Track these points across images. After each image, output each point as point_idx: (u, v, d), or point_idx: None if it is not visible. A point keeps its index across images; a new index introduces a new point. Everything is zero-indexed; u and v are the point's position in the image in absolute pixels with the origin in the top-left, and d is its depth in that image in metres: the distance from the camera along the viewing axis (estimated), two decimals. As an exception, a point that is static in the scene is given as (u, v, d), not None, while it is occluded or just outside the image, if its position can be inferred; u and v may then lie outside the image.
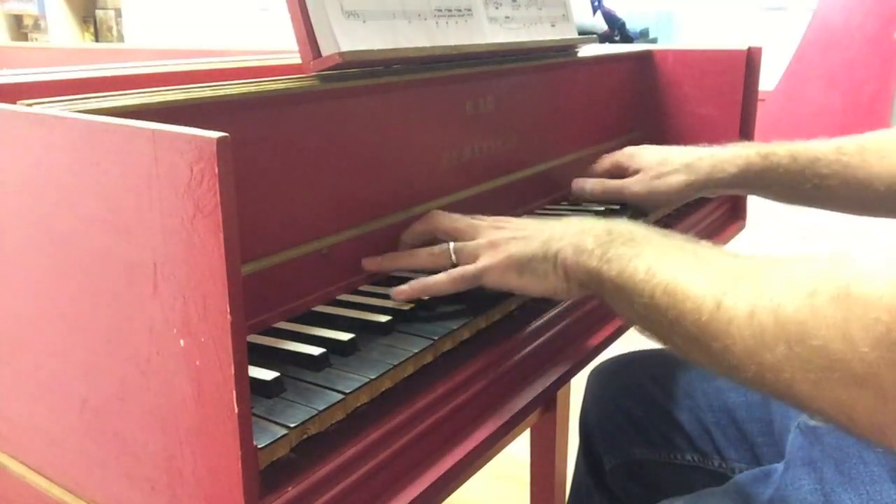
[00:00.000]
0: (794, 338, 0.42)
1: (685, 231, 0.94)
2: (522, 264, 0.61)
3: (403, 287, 0.62)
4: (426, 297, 0.63)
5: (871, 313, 0.39)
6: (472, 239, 0.64)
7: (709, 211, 1.03)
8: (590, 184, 0.88)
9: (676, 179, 0.83)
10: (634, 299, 0.53)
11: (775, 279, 0.45)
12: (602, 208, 0.88)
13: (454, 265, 0.63)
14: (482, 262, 0.62)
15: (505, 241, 0.62)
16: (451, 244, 0.64)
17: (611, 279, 0.55)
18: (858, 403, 0.40)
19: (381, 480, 0.49)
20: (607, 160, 0.90)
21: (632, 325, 0.57)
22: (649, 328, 0.54)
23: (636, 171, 0.86)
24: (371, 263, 0.67)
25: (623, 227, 0.59)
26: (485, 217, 0.68)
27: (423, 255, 0.66)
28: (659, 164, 0.84)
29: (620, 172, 0.89)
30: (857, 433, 0.42)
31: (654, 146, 0.88)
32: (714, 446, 0.80)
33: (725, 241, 1.05)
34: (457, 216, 0.68)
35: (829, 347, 0.40)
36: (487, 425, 0.57)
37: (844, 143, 0.79)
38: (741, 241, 1.09)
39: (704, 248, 0.54)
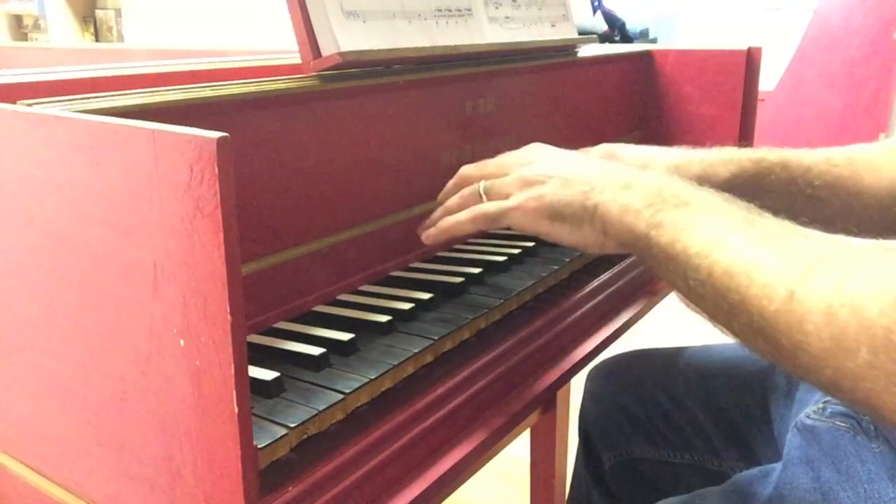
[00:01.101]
0: (879, 344, 0.38)
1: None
2: (557, 210, 0.56)
3: (431, 230, 0.60)
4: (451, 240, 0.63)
5: None
6: (504, 175, 0.60)
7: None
8: None
9: None
10: (689, 274, 0.49)
11: (857, 274, 0.40)
12: None
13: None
14: (513, 200, 0.58)
15: (540, 180, 0.57)
16: (482, 183, 0.60)
17: (661, 247, 0.51)
18: None
19: (381, 480, 0.49)
20: None
21: (682, 300, 0.52)
22: (703, 308, 0.49)
23: None
24: (426, 237, 0.64)
25: (676, 185, 0.54)
26: (514, 152, 0.64)
27: (455, 202, 0.62)
28: (641, 168, 0.76)
29: None
30: None
31: (634, 146, 0.81)
32: (712, 445, 0.80)
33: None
34: (485, 161, 0.64)
35: None
36: (487, 425, 0.57)
37: (833, 153, 0.76)
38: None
39: (771, 223, 0.49)
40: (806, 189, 0.76)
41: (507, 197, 0.59)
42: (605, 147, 0.81)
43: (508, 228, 0.60)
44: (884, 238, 0.43)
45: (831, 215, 0.77)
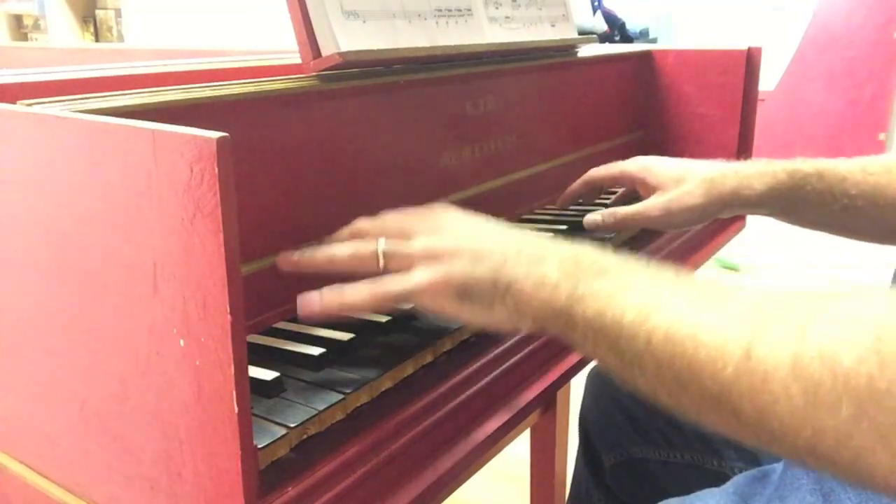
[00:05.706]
0: (863, 396, 0.34)
1: (684, 231, 0.94)
2: (465, 289, 0.50)
3: (313, 295, 0.51)
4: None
5: None
6: (407, 240, 0.53)
7: (709, 211, 1.02)
8: (602, 216, 0.79)
9: (698, 199, 0.74)
10: (623, 346, 0.44)
11: (822, 321, 0.37)
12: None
13: (381, 272, 0.52)
14: (416, 277, 0.51)
15: (448, 255, 0.51)
16: (381, 242, 0.53)
17: (587, 320, 0.46)
18: None
19: (381, 480, 0.49)
20: (615, 168, 0.82)
21: (618, 378, 0.46)
22: (643, 383, 0.44)
23: (649, 188, 0.78)
24: (285, 261, 0.56)
25: (592, 253, 0.49)
26: (419, 212, 0.57)
27: (346, 254, 0.53)
28: (676, 181, 0.75)
29: (630, 184, 0.83)
30: None
31: (667, 159, 0.80)
32: (712, 445, 0.80)
33: (725, 241, 1.05)
34: (386, 216, 0.57)
35: None
36: (487, 425, 0.57)
37: (868, 162, 0.75)
38: (741, 242, 1.09)
39: (704, 282, 0.44)
40: (842, 199, 0.74)
41: (408, 268, 0.51)
42: (639, 161, 0.80)
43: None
44: None
45: (867, 224, 0.76)
